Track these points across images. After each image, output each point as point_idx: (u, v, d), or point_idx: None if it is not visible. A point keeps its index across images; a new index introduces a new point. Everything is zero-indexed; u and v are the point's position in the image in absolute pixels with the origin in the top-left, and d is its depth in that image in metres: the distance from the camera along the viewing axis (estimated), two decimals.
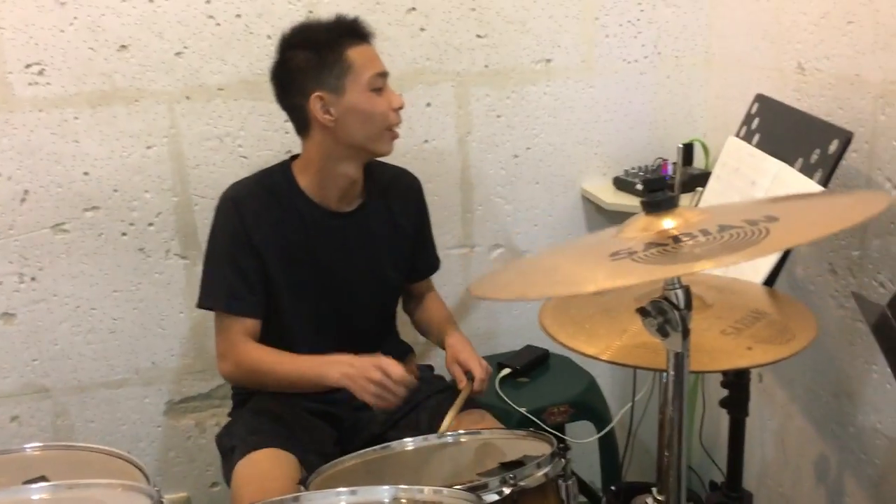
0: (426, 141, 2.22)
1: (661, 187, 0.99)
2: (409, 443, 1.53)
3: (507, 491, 1.25)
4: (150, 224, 2.11)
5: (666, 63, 2.30)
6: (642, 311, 0.98)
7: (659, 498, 1.53)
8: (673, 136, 2.32)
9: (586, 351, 1.22)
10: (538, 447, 1.46)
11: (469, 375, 1.81)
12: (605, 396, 2.18)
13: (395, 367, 1.65)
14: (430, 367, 2.06)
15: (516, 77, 2.23)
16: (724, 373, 1.79)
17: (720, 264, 0.86)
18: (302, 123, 1.78)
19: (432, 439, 1.55)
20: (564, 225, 2.35)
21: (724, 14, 2.24)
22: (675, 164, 2.15)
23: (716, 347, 1.18)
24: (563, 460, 1.38)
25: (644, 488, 1.88)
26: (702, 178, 2.05)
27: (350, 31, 1.75)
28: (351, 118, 1.72)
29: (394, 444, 1.55)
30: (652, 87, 2.31)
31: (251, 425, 1.80)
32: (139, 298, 2.14)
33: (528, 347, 2.29)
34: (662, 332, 0.97)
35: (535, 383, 2.16)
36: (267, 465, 1.68)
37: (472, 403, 1.84)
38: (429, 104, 2.19)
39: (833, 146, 1.46)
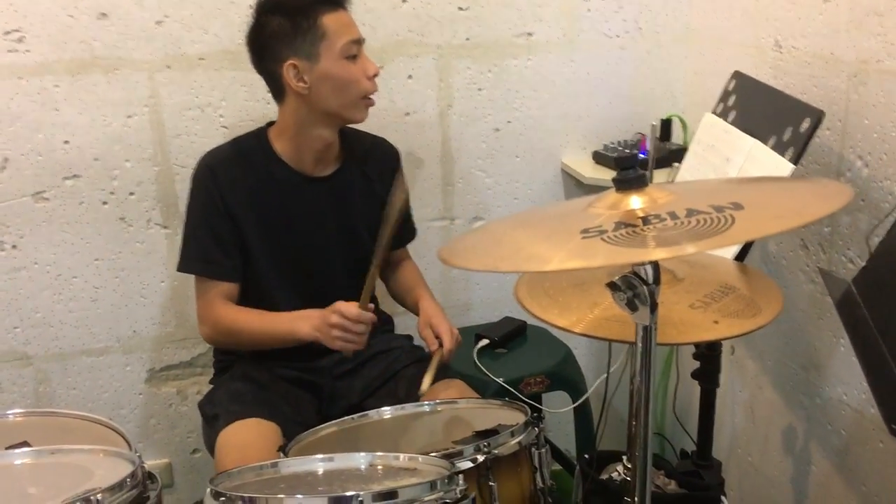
0: (407, 114, 2.23)
1: (632, 165, 1.01)
2: (387, 411, 1.56)
3: (480, 458, 1.28)
4: (131, 193, 2.11)
5: (646, 39, 2.32)
6: (612, 286, 1.00)
7: (629, 465, 1.58)
8: (652, 112, 2.34)
9: (559, 323, 1.25)
10: (513, 416, 1.49)
11: (440, 341, 1.84)
12: (581, 368, 2.22)
13: (348, 307, 1.68)
14: (409, 338, 2.09)
15: (498, 50, 2.23)
16: (696, 345, 1.83)
17: (682, 252, 0.89)
18: (277, 89, 1.79)
19: (409, 408, 1.58)
20: (544, 198, 2.38)
21: None
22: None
23: (684, 320, 1.21)
24: (536, 429, 1.42)
25: (616, 456, 1.94)
26: (679, 154, 2.08)
27: None
28: (325, 86, 1.73)
29: (371, 412, 1.58)
30: (632, 63, 2.33)
31: (234, 394, 1.83)
32: (120, 267, 2.15)
33: (506, 319, 2.32)
34: (631, 306, 1.00)
35: (513, 354, 2.20)
36: (250, 435, 1.71)
37: (448, 373, 1.87)
38: (410, 76, 2.20)
39: (805, 124, 1.49)
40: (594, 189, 2.32)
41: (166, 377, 2.28)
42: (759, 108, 1.74)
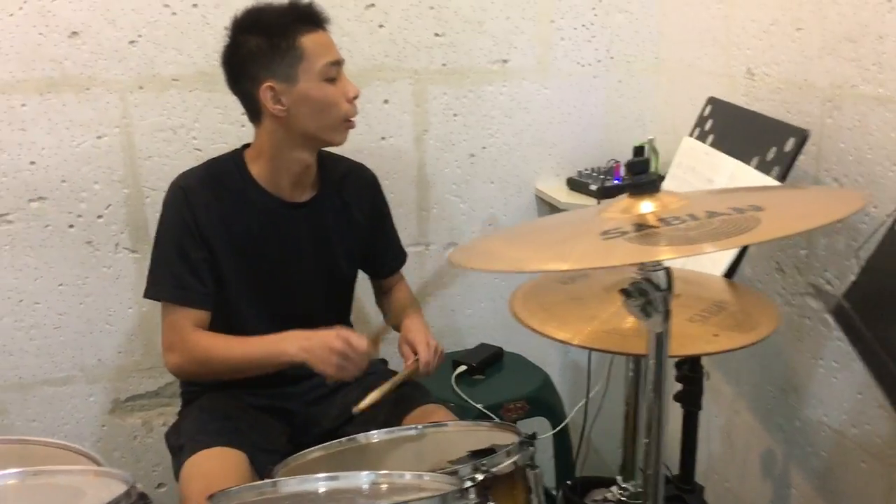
0: (383, 138, 2.22)
1: (644, 169, 1.01)
2: (375, 435, 1.52)
3: (479, 477, 1.25)
4: (99, 216, 2.05)
5: (618, 67, 2.35)
6: (624, 292, 0.99)
7: (625, 486, 1.56)
8: (624, 139, 2.37)
9: (557, 336, 1.23)
10: (504, 437, 1.46)
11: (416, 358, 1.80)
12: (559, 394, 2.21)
13: (358, 339, 1.64)
14: (385, 361, 2.05)
15: (473, 76, 2.24)
16: (679, 366, 1.83)
17: (712, 249, 0.88)
18: (253, 111, 1.74)
19: (397, 431, 1.54)
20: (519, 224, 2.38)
21: (675, 21, 2.30)
22: (626, 164, 2.19)
23: (684, 334, 1.21)
24: (531, 448, 1.39)
25: (600, 483, 1.92)
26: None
27: (304, 17, 1.69)
28: (303, 108, 1.68)
29: (359, 436, 1.53)
30: (604, 91, 2.36)
31: (200, 423, 1.76)
32: (86, 293, 2.08)
33: (483, 345, 2.30)
34: (645, 313, 0.99)
35: (490, 381, 2.17)
36: (215, 464, 1.64)
37: (429, 399, 1.83)
38: (386, 101, 2.19)
39: (789, 144, 1.51)
40: None
41: (131, 408, 2.19)
42: (737, 130, 1.76)
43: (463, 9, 2.18)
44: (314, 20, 1.72)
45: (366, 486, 1.09)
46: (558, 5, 2.25)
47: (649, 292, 0.98)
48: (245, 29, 1.70)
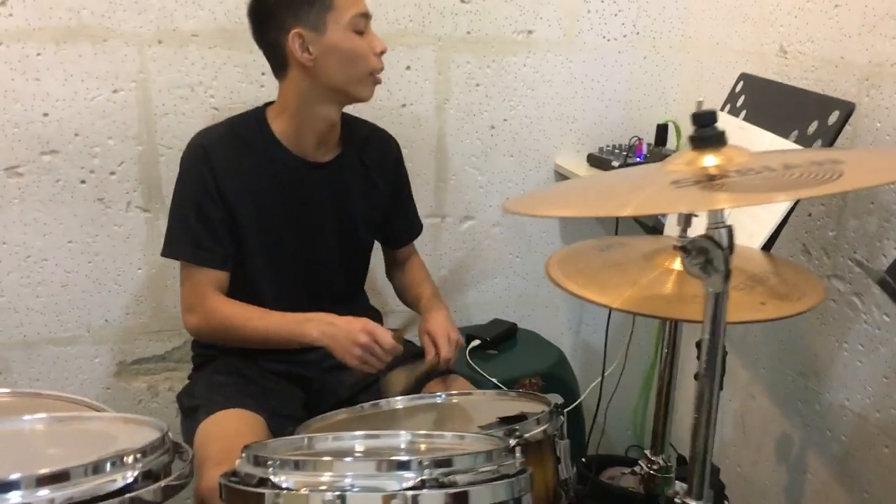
0: (404, 105, 2.17)
1: (711, 121, 0.97)
2: (399, 401, 1.48)
3: (512, 443, 1.21)
4: (112, 173, 2.00)
5: (644, 43, 2.31)
6: (683, 249, 0.95)
7: (654, 459, 1.53)
8: (646, 117, 2.33)
9: (599, 300, 1.20)
10: (531, 406, 1.43)
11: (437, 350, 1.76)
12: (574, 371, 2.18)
13: (384, 335, 1.60)
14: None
15: (497, 46, 2.20)
16: (700, 345, 1.80)
17: (802, 195, 0.84)
18: (279, 62, 1.69)
19: (422, 399, 1.50)
20: None
21: None
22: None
23: (731, 302, 1.17)
24: (560, 417, 1.36)
25: (614, 461, 1.89)
26: None
27: None
28: (331, 58, 1.64)
29: (381, 402, 1.50)
30: (628, 67, 2.32)
31: (216, 385, 1.72)
32: (95, 251, 2.03)
33: (496, 321, 2.27)
34: (705, 272, 0.95)
35: (505, 356, 2.14)
36: (233, 425, 1.60)
37: (448, 370, 1.80)
38: (408, 67, 2.14)
39: (833, 117, 1.48)
40: None
41: (137, 371, 2.15)
42: (773, 106, 1.73)
43: None
44: None
45: (404, 445, 1.05)
46: None
47: (710, 250, 0.94)
48: None
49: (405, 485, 0.88)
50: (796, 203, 1.46)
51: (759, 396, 2.10)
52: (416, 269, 1.98)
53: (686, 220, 1.25)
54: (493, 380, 1.98)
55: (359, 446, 1.04)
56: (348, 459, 0.95)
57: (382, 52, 1.70)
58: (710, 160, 0.96)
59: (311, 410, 1.74)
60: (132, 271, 2.07)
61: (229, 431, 1.58)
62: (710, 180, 0.91)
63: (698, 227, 1.06)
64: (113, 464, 0.86)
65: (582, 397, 2.13)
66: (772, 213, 1.44)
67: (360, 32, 1.67)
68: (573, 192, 0.96)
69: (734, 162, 0.95)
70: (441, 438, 1.07)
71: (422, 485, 0.88)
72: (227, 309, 1.71)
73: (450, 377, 1.77)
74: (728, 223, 0.94)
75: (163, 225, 2.01)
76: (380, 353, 1.60)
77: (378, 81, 1.72)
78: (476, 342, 2.13)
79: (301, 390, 1.82)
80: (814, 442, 1.93)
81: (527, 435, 1.25)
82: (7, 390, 1.30)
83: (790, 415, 2.00)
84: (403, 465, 0.90)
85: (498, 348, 2.16)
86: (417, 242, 2.04)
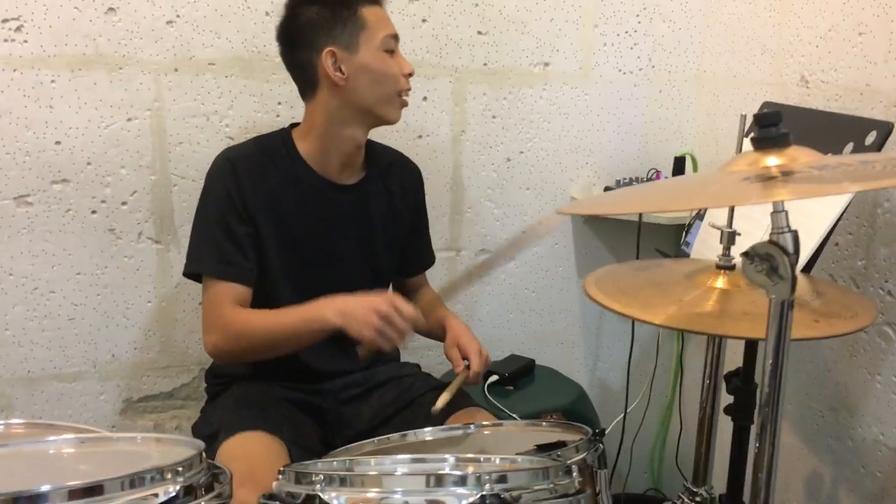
0: (420, 136, 2.14)
1: (776, 121, 0.94)
2: (427, 432, 1.42)
3: (569, 461, 1.15)
4: (124, 203, 1.95)
5: (659, 77, 2.30)
6: (746, 255, 0.91)
7: (696, 490, 1.47)
8: (663, 150, 2.32)
9: (644, 317, 1.15)
10: (566, 436, 1.37)
11: (467, 363, 1.71)
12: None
13: (405, 303, 1.53)
14: (417, 366, 1.96)
15: (514, 78, 2.18)
16: (729, 378, 1.75)
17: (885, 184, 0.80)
18: (309, 82, 1.68)
19: (455, 429, 1.44)
20: (552, 233, 2.30)
21: (718, 32, 2.26)
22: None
23: None
24: (601, 445, 1.30)
25: (647, 500, 1.82)
26: None
27: None
28: (363, 77, 1.64)
29: (409, 433, 1.43)
30: (644, 100, 2.31)
31: (234, 408, 1.67)
32: (104, 284, 1.97)
33: (513, 356, 2.21)
34: (770, 279, 0.91)
35: (523, 392, 2.08)
36: (255, 447, 1.54)
37: (469, 402, 1.74)
38: (425, 98, 2.12)
39: (871, 137, 1.45)
40: (603, 224, 2.28)
41: (143, 409, 2.07)
42: (801, 131, 1.69)
43: (507, 8, 2.13)
44: None
45: (448, 469, 0.99)
46: (602, 10, 2.21)
47: (775, 256, 0.90)
48: (303, 1, 1.65)
49: (465, 502, 0.82)
50: (835, 226, 1.43)
51: (785, 432, 2.04)
52: (431, 295, 1.94)
53: (730, 238, 1.22)
54: (514, 416, 1.91)
55: (404, 468, 0.97)
56: (399, 472, 0.89)
57: (411, 74, 1.70)
58: (772, 160, 0.93)
59: (327, 445, 1.68)
60: (141, 304, 2.01)
61: (252, 452, 1.52)
62: (783, 176, 0.87)
63: (742, 246, 1.03)
64: (152, 478, 0.80)
65: (608, 430, 2.06)
66: (811, 235, 1.40)
67: (390, 52, 1.67)
68: (630, 195, 0.93)
69: (799, 161, 0.91)
70: (489, 462, 1.01)
71: (481, 501, 0.82)
72: (242, 316, 1.65)
73: (471, 409, 1.71)
74: (794, 228, 0.90)
75: (174, 256, 1.98)
76: (399, 323, 1.52)
77: (405, 104, 1.71)
78: (494, 377, 2.07)
79: (316, 421, 1.76)
80: (846, 478, 1.87)
81: (568, 462, 1.19)
82: (21, 421, 1.23)
83: (820, 451, 1.94)
84: (460, 481, 0.84)
85: (516, 384, 2.10)
86: (432, 276, 1.99)
